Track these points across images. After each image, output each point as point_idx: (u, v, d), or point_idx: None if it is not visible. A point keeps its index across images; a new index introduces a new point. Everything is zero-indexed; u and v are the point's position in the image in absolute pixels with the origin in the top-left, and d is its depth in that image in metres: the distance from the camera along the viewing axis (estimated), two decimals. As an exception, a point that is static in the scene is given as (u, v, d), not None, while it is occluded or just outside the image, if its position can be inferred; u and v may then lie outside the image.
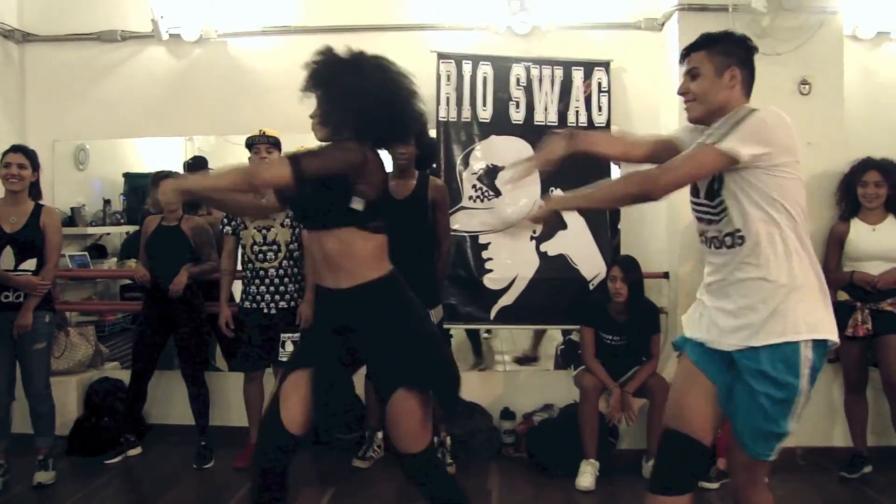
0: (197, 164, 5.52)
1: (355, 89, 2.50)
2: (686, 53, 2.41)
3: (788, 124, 2.26)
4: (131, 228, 6.56)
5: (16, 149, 3.94)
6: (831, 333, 2.20)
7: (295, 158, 2.34)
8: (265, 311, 4.13)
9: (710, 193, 2.29)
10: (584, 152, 2.50)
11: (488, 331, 6.13)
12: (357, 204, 2.48)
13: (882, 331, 3.96)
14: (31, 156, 3.95)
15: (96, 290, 6.19)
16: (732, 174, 2.21)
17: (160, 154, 6.74)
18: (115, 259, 6.63)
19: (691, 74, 2.37)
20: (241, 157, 6.05)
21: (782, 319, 2.17)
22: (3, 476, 3.88)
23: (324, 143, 2.57)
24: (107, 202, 6.78)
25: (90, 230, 6.48)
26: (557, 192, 2.66)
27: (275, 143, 4.21)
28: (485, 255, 4.61)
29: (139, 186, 6.71)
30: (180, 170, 5.68)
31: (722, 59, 2.32)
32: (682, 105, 4.08)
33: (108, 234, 6.90)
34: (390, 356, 2.49)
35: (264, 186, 2.56)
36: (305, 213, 2.64)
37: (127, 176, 7.04)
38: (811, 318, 2.18)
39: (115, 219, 6.81)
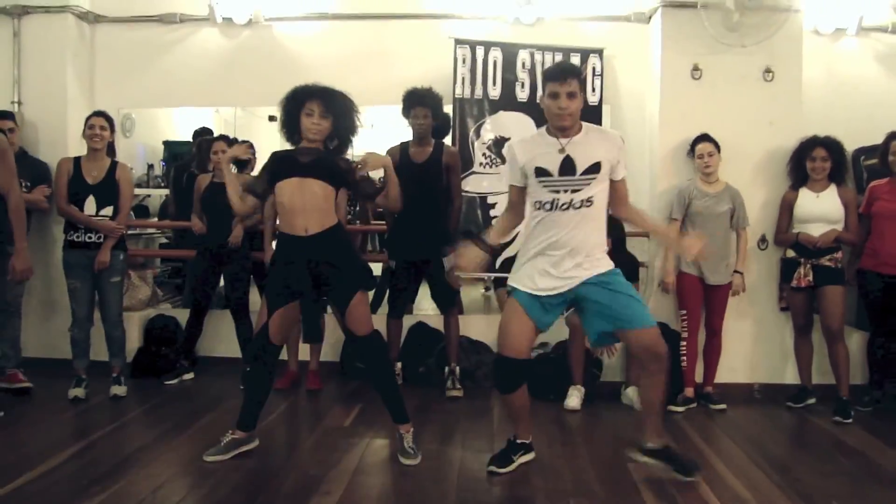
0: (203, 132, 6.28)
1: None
2: (566, 77, 3.15)
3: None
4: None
5: (98, 114, 4.60)
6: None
7: None
8: None
9: None
10: None
11: (487, 288, 6.79)
12: None
13: (822, 283, 4.55)
14: (109, 120, 4.62)
15: (139, 245, 6.78)
16: None
17: (193, 123, 7.31)
18: (156, 218, 7.28)
19: (571, 95, 3.15)
20: (265, 127, 6.72)
21: None
22: (85, 388, 4.54)
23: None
24: (150, 167, 7.40)
25: (136, 191, 7.08)
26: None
27: None
28: (492, 213, 5.18)
29: (177, 153, 7.34)
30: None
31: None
32: (662, 89, 4.86)
33: (150, 195, 7.52)
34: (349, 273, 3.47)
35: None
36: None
37: (166, 143, 7.67)
38: None
39: (157, 182, 7.44)
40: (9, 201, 3.83)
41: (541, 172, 3.23)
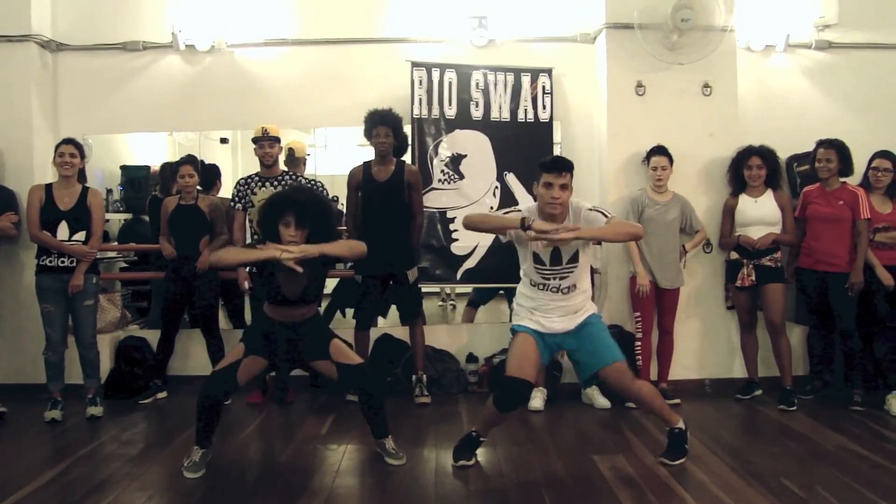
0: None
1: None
2: (560, 171, 3.44)
3: None
4: (128, 216, 7.16)
5: (67, 141, 4.67)
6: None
7: None
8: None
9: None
10: None
11: (443, 299, 6.99)
12: None
13: (763, 281, 4.84)
14: (79, 147, 4.69)
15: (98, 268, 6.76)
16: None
17: (149, 148, 7.38)
18: (115, 243, 7.25)
19: (563, 187, 3.43)
20: (218, 150, 6.68)
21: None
22: (62, 410, 4.58)
23: None
24: (108, 191, 7.34)
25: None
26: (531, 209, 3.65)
27: (276, 139, 4.95)
28: (451, 227, 5.37)
29: (134, 178, 7.25)
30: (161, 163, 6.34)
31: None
32: (609, 105, 5.07)
33: (108, 220, 7.46)
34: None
35: None
36: None
37: (123, 168, 7.59)
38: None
39: (115, 207, 7.34)
40: None
41: (537, 259, 3.57)
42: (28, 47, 5.35)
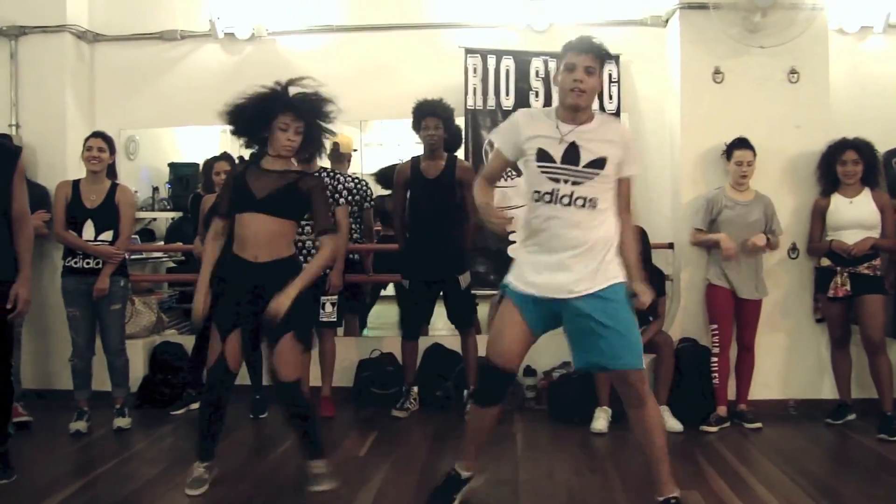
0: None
1: None
2: (586, 50, 2.84)
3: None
4: (176, 214, 6.98)
5: (96, 134, 4.46)
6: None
7: None
8: None
9: None
10: None
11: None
12: None
13: (859, 291, 4.38)
14: (108, 140, 4.47)
15: (146, 270, 6.64)
16: None
17: (199, 145, 7.22)
18: (161, 243, 7.14)
19: (589, 70, 2.84)
20: None
21: None
22: (87, 421, 4.38)
23: None
24: (155, 189, 7.25)
25: (140, 214, 6.97)
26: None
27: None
28: (508, 228, 5.00)
29: (182, 175, 7.14)
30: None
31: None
32: (682, 94, 4.65)
33: (155, 219, 7.34)
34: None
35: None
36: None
37: (171, 165, 7.48)
38: None
39: (162, 205, 7.25)
40: (23, 225, 3.57)
41: (542, 156, 2.87)
42: (63, 38, 5.26)
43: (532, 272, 2.89)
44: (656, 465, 2.93)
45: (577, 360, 3.00)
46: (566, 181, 2.83)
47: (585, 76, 2.82)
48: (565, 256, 2.83)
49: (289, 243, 3.40)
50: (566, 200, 2.83)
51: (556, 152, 2.85)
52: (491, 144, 2.92)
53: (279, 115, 3.23)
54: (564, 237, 2.84)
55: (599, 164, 2.85)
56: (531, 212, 2.93)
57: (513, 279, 2.96)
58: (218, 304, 3.38)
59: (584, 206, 2.83)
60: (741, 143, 4.54)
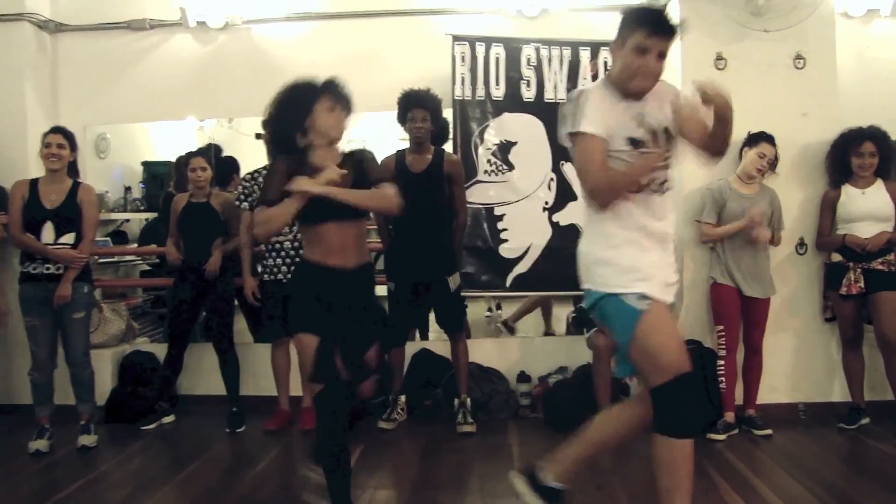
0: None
1: None
2: (665, 32, 2.49)
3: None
4: (150, 215, 6.70)
5: (55, 130, 4.17)
6: None
7: None
8: (283, 281, 4.33)
9: None
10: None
11: (489, 309, 6.40)
12: None
13: (874, 288, 4.17)
14: (69, 136, 4.18)
15: (118, 274, 6.37)
16: None
17: (174, 142, 6.92)
18: (135, 245, 6.84)
19: (661, 56, 2.50)
20: (250, 144, 6.33)
21: None
22: (49, 439, 4.09)
23: None
24: (127, 189, 6.97)
25: (113, 216, 6.69)
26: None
27: None
28: (500, 225, 4.81)
29: (157, 174, 6.93)
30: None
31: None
32: (683, 82, 4.35)
33: (128, 220, 7.08)
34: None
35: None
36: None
37: (145, 164, 7.22)
38: None
39: (136, 206, 7.00)
40: None
41: (635, 143, 2.52)
42: (22, 28, 4.99)
43: (650, 266, 2.54)
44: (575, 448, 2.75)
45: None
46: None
47: (658, 64, 2.50)
48: (653, 247, 2.57)
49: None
50: (655, 186, 2.55)
51: (644, 135, 2.53)
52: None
53: (318, 102, 2.92)
54: (653, 228, 2.57)
55: (670, 133, 2.58)
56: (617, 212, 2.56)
57: (648, 290, 2.48)
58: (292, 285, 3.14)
59: (662, 187, 2.57)
60: (765, 137, 4.31)
